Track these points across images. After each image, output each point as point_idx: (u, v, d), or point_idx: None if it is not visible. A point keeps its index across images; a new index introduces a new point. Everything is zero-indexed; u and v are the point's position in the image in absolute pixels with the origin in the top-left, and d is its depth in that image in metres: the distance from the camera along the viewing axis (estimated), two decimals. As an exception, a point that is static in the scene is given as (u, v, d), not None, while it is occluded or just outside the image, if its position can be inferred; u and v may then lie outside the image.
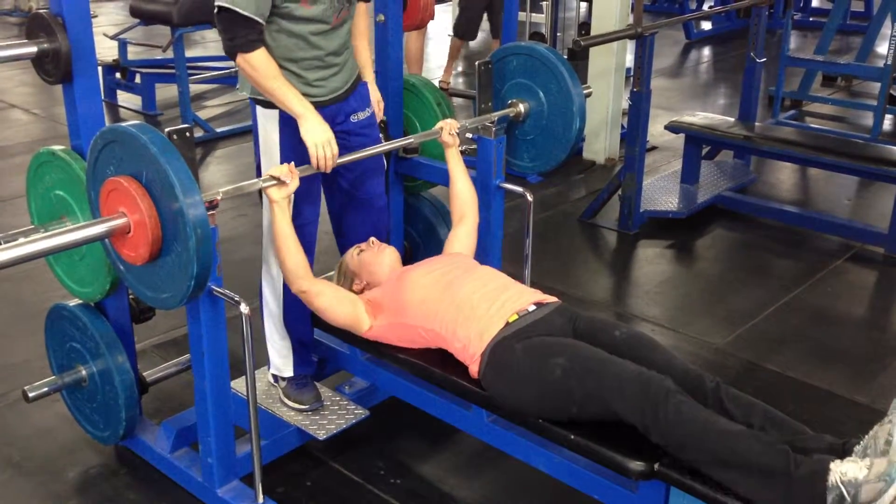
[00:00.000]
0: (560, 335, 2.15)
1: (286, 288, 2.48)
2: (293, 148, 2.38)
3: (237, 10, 2.18)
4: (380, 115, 2.70)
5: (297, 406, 2.64)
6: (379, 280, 2.47)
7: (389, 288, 2.40)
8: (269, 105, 2.38)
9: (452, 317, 2.23)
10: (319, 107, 2.40)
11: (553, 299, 2.30)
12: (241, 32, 2.21)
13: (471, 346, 2.19)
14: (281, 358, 2.67)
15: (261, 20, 2.22)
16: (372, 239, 2.56)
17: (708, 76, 8.12)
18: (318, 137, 2.29)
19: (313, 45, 2.35)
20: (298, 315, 2.60)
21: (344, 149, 2.43)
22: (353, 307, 2.38)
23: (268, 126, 2.43)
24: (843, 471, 1.68)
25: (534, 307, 2.22)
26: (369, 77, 2.66)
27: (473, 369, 2.20)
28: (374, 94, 2.67)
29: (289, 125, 2.36)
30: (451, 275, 2.34)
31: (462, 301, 2.24)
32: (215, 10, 2.21)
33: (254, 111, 2.46)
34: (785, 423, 1.91)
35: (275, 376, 2.73)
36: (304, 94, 2.35)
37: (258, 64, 2.24)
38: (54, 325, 2.64)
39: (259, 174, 2.46)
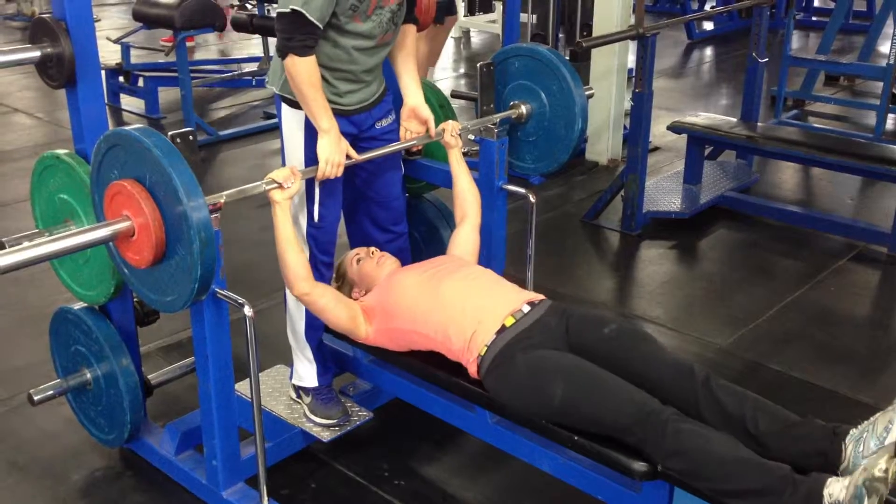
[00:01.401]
0: (557, 339, 2.16)
1: None
2: (316, 150, 2.40)
3: (307, 14, 2.20)
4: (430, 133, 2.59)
5: (324, 422, 2.62)
6: None
7: (379, 293, 2.41)
8: (296, 105, 2.41)
9: (441, 319, 2.24)
10: (347, 115, 2.44)
11: (542, 297, 2.31)
12: (299, 36, 2.23)
13: (465, 349, 2.20)
14: (305, 369, 2.66)
15: (321, 27, 2.24)
16: (373, 248, 2.57)
17: (710, 76, 8.12)
18: (332, 156, 2.33)
19: (353, 59, 2.38)
20: (317, 321, 2.60)
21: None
22: (351, 311, 2.38)
23: (293, 126, 2.45)
24: (829, 492, 1.72)
25: (527, 307, 2.23)
26: (415, 96, 2.55)
27: (472, 369, 2.21)
28: (423, 113, 2.55)
29: (313, 128, 2.39)
30: (437, 276, 2.34)
31: (449, 302, 2.24)
32: (282, 11, 2.23)
33: (279, 108, 2.48)
34: (775, 411, 1.94)
35: (297, 391, 2.72)
36: (333, 103, 2.38)
37: (305, 69, 2.26)
38: (59, 328, 2.65)
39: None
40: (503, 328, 2.17)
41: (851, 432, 1.82)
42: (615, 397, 1.96)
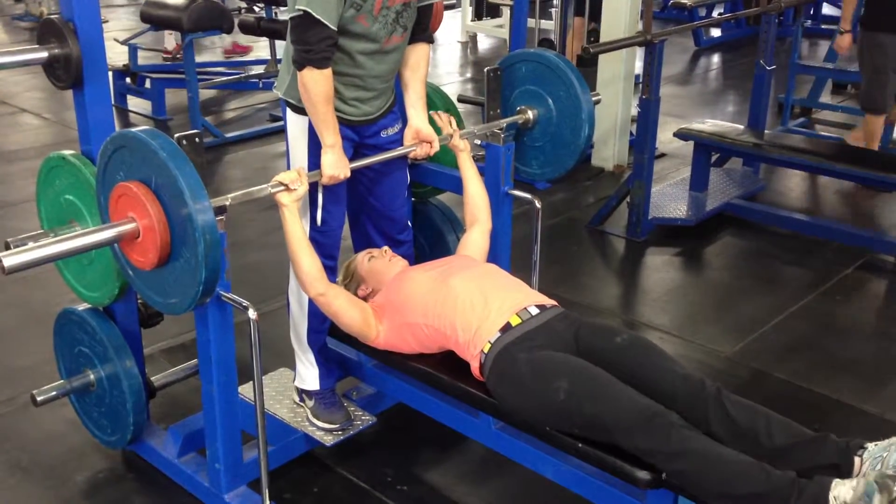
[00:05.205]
0: (562, 343, 2.15)
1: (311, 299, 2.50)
2: (319, 157, 2.38)
3: (317, 16, 2.15)
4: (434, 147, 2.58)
5: (327, 426, 2.61)
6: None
7: (390, 289, 2.42)
8: (300, 111, 2.39)
9: (450, 312, 2.24)
10: (351, 125, 2.43)
11: (554, 303, 2.30)
12: (317, 46, 2.18)
13: (469, 344, 2.20)
14: (308, 371, 2.65)
15: (334, 28, 2.20)
16: (385, 248, 2.58)
17: (717, 83, 8.10)
18: (335, 171, 2.33)
19: (358, 63, 2.35)
20: (319, 325, 2.60)
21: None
22: (364, 313, 2.39)
23: (296, 132, 2.44)
24: (835, 495, 1.70)
25: (536, 310, 2.22)
26: (418, 117, 2.53)
27: (474, 366, 2.21)
28: (428, 135, 2.54)
29: (316, 135, 2.37)
30: (448, 272, 2.35)
31: (458, 296, 2.25)
32: (292, 17, 2.20)
33: (284, 112, 2.47)
34: (789, 426, 1.92)
35: (300, 394, 2.71)
36: (337, 110, 2.36)
37: (321, 82, 2.23)
38: (63, 329, 2.65)
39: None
40: (508, 326, 2.17)
41: (870, 447, 1.79)
42: (620, 400, 1.94)
